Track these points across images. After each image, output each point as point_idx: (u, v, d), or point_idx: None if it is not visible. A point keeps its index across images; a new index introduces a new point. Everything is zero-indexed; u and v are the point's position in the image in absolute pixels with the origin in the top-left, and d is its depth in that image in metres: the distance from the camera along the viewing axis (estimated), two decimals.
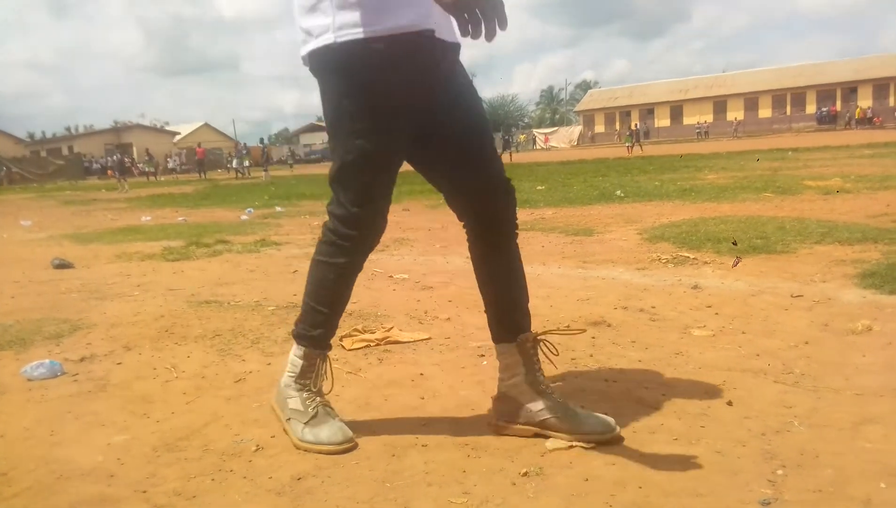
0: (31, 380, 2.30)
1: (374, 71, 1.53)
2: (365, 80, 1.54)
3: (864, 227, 4.65)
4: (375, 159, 1.60)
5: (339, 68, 1.54)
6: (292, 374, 1.76)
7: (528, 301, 1.79)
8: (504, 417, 1.74)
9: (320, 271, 1.70)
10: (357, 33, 1.50)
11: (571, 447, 1.61)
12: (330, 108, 1.60)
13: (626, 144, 28.91)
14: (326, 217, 1.69)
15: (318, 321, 1.73)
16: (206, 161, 32.65)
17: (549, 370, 2.19)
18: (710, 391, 1.94)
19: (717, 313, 2.81)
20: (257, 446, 1.71)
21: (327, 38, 1.52)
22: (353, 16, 1.49)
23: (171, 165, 40.30)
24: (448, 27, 1.59)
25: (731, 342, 2.41)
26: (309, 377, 1.75)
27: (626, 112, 54.97)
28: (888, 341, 2.32)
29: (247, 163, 30.58)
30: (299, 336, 1.76)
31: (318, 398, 1.74)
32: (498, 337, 1.78)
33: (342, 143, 1.59)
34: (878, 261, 3.52)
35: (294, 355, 1.77)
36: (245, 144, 37.16)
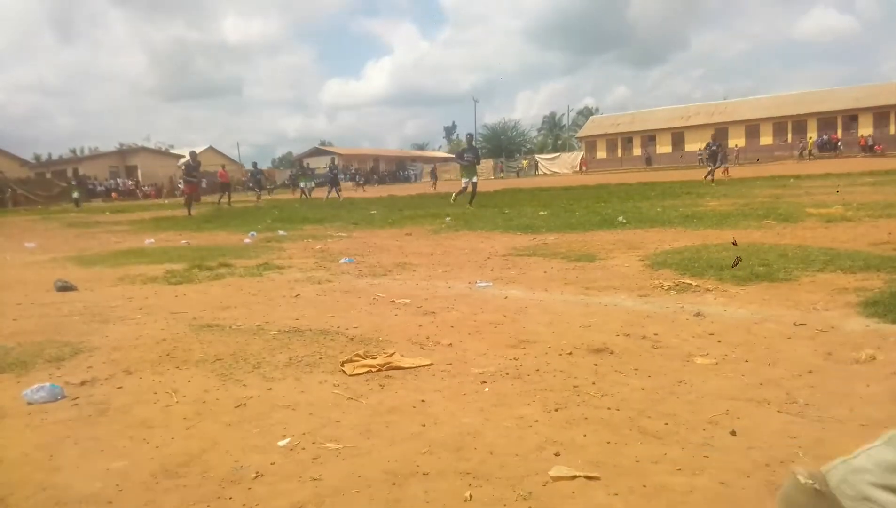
0: (31, 403, 2.30)
1: None
2: None
3: (867, 255, 4.64)
4: None
5: None
6: None
7: None
8: None
9: None
10: None
11: (574, 476, 1.59)
12: None
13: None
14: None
15: None
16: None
17: (553, 400, 2.17)
18: (713, 421, 1.93)
19: (719, 341, 2.80)
20: (257, 473, 1.69)
21: None
22: None
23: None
24: None
25: (734, 371, 2.40)
26: None
27: (627, 138, 55.36)
28: (892, 370, 2.31)
29: (312, 184, 29.90)
30: None
31: None
32: None
33: None
34: (881, 289, 3.52)
35: None
36: (308, 163, 36.29)
